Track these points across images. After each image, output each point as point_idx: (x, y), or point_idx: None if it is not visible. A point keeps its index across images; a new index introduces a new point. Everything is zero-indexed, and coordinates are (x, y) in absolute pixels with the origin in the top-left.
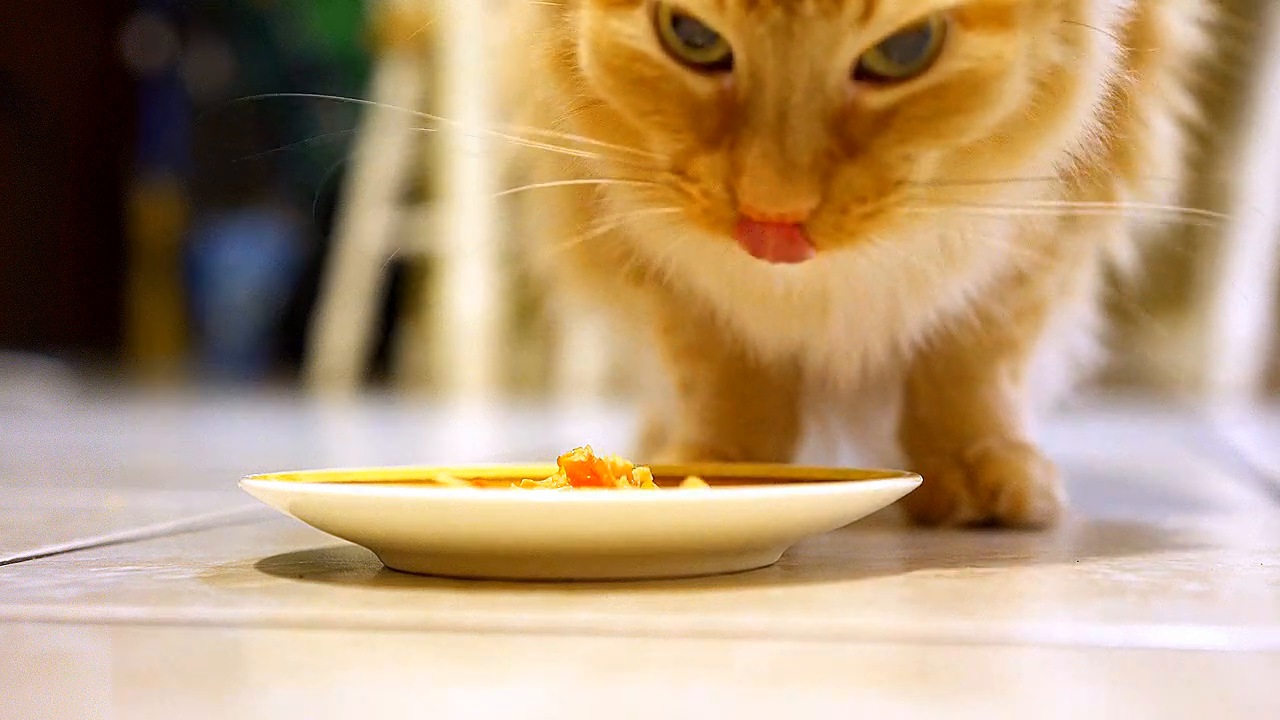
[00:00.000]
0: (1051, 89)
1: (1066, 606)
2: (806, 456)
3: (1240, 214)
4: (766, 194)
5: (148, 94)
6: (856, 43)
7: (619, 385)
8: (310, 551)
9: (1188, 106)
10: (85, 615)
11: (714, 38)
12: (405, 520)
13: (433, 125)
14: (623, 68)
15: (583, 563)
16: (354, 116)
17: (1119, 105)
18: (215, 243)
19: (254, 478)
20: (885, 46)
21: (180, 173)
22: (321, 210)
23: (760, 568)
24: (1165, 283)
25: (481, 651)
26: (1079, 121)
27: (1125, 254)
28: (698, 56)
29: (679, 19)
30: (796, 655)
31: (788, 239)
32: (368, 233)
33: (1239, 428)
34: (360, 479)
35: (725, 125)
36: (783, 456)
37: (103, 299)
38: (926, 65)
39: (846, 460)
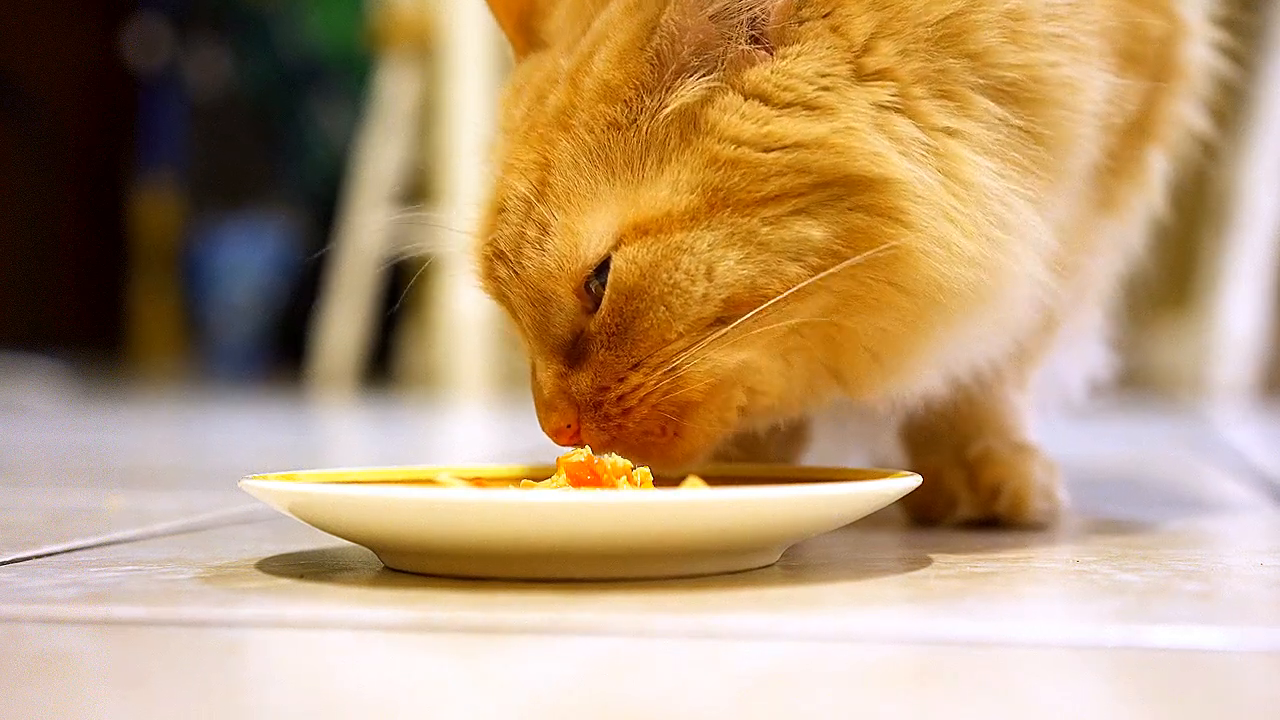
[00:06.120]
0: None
1: (1066, 606)
2: (810, 456)
3: (1240, 214)
4: (540, 420)
5: (148, 94)
6: (556, 288)
7: None
8: (310, 551)
9: (1202, 123)
10: (85, 615)
11: None
12: (405, 520)
13: (433, 125)
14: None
15: (583, 563)
16: (354, 116)
17: (1135, 131)
18: (215, 243)
19: (254, 478)
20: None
21: (180, 173)
22: (321, 210)
23: (760, 568)
24: (1165, 283)
25: (481, 651)
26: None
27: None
28: None
29: None
30: (796, 655)
31: (574, 441)
32: (368, 233)
33: (1239, 428)
34: (360, 479)
35: None
36: (785, 459)
37: (103, 299)
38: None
39: (848, 460)
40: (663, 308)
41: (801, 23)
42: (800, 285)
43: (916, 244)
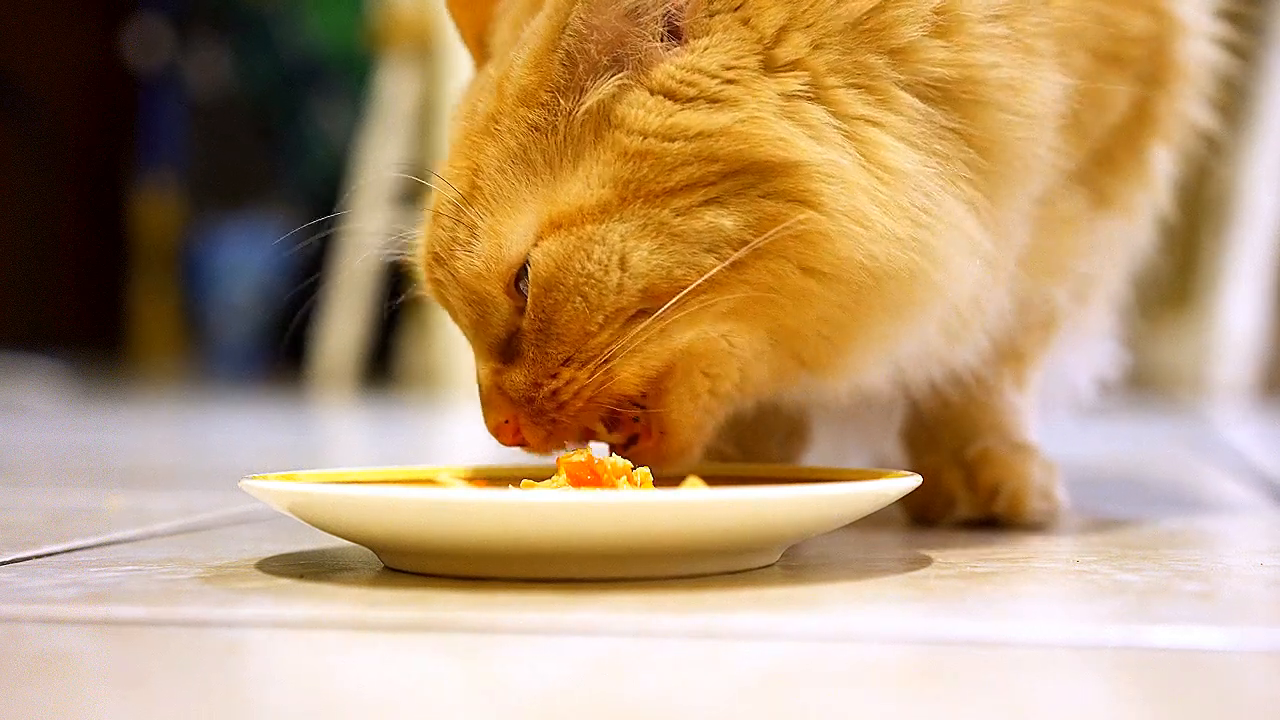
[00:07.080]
0: (779, 254)
1: (1066, 606)
2: (810, 456)
3: (1241, 213)
4: (483, 418)
5: (148, 94)
6: (487, 288)
7: None
8: (310, 551)
9: (1207, 120)
10: (85, 615)
11: None
12: (405, 520)
13: (433, 125)
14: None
15: (583, 563)
16: (354, 116)
17: (1136, 124)
18: (215, 243)
19: (254, 478)
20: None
21: (180, 173)
22: (321, 210)
23: (760, 568)
24: (1166, 282)
25: (481, 651)
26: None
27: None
28: None
29: None
30: (796, 655)
31: (516, 439)
32: (368, 233)
33: (1239, 428)
34: (360, 479)
35: None
36: (785, 459)
37: (103, 299)
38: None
39: (848, 460)
40: (579, 298)
41: (712, 15)
42: (711, 273)
43: (829, 225)
